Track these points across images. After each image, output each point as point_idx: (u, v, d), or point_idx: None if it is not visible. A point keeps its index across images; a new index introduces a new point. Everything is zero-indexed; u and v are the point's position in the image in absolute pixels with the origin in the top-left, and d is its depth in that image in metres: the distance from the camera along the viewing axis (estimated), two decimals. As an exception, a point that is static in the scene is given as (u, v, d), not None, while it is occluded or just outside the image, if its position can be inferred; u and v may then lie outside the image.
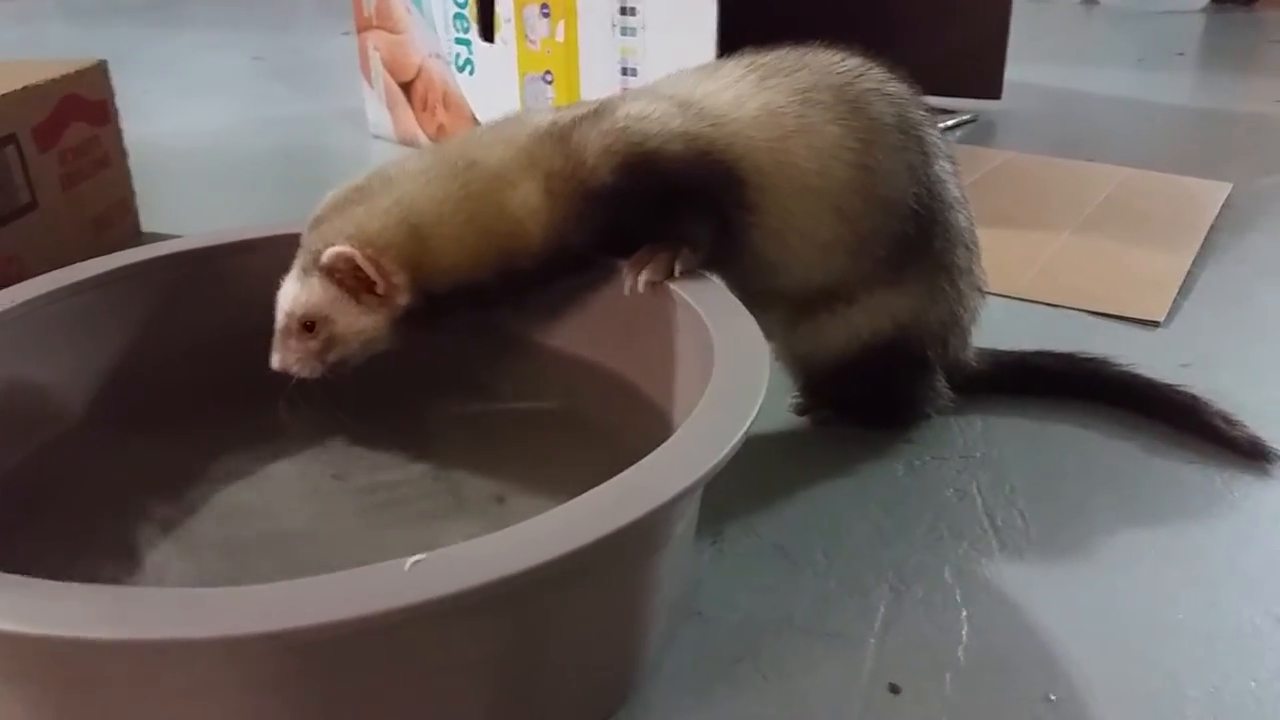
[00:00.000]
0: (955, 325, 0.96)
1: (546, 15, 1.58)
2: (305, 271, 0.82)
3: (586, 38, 1.55)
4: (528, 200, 0.83)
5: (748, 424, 0.59)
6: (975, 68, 2.08)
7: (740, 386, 0.64)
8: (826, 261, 0.89)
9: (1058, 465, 0.93)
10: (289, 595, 0.47)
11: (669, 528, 0.59)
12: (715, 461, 0.55)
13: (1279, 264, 1.39)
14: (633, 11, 1.49)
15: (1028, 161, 1.82)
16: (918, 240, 0.90)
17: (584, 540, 0.48)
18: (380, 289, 0.80)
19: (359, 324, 0.82)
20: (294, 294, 0.82)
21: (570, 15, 1.55)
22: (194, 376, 0.91)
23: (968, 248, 0.95)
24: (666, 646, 0.71)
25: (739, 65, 0.91)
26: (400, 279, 0.81)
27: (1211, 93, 2.53)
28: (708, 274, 0.84)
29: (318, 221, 0.83)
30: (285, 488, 0.84)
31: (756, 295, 0.94)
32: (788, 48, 0.92)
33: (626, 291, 0.82)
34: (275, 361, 0.83)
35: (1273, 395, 1.03)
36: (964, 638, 0.72)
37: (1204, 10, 3.61)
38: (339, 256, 0.79)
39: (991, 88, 2.10)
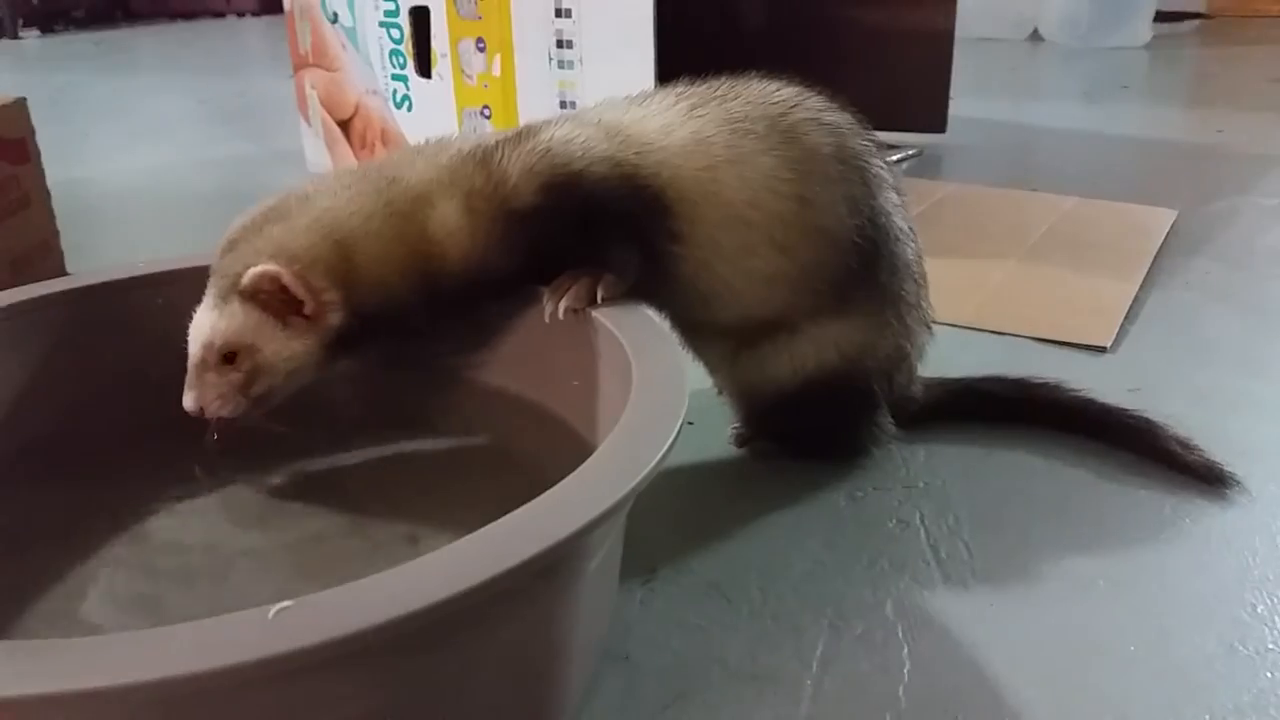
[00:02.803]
0: (902, 360, 0.92)
1: (483, 50, 1.55)
2: (223, 298, 0.76)
3: (524, 71, 1.53)
4: (447, 221, 0.80)
5: (653, 463, 0.55)
6: (919, 102, 2.08)
7: (652, 421, 0.59)
8: (764, 294, 0.86)
9: (1003, 494, 0.90)
10: (140, 646, 0.42)
11: (569, 568, 0.54)
12: (616, 500, 0.51)
13: (1225, 289, 1.38)
14: (570, 45, 1.47)
15: (972, 193, 1.81)
16: (862, 273, 0.86)
17: (465, 585, 0.44)
18: (308, 309, 0.75)
19: (286, 350, 0.76)
20: (211, 323, 0.76)
21: (506, 49, 1.52)
22: (97, 416, 0.86)
23: (916, 281, 0.92)
24: (590, 695, 0.66)
25: (670, 93, 0.89)
26: (331, 296, 0.76)
27: (1156, 124, 2.55)
28: (635, 302, 0.80)
29: (232, 245, 0.78)
30: (192, 532, 0.79)
31: (697, 327, 0.91)
32: (723, 78, 0.90)
33: (546, 318, 0.79)
34: (189, 401, 0.76)
35: (1220, 419, 1.01)
36: (905, 676, 0.68)
37: (1148, 46, 3.67)
38: (264, 276, 0.74)
39: (935, 121, 2.10)
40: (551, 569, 0.50)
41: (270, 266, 0.74)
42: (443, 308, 0.82)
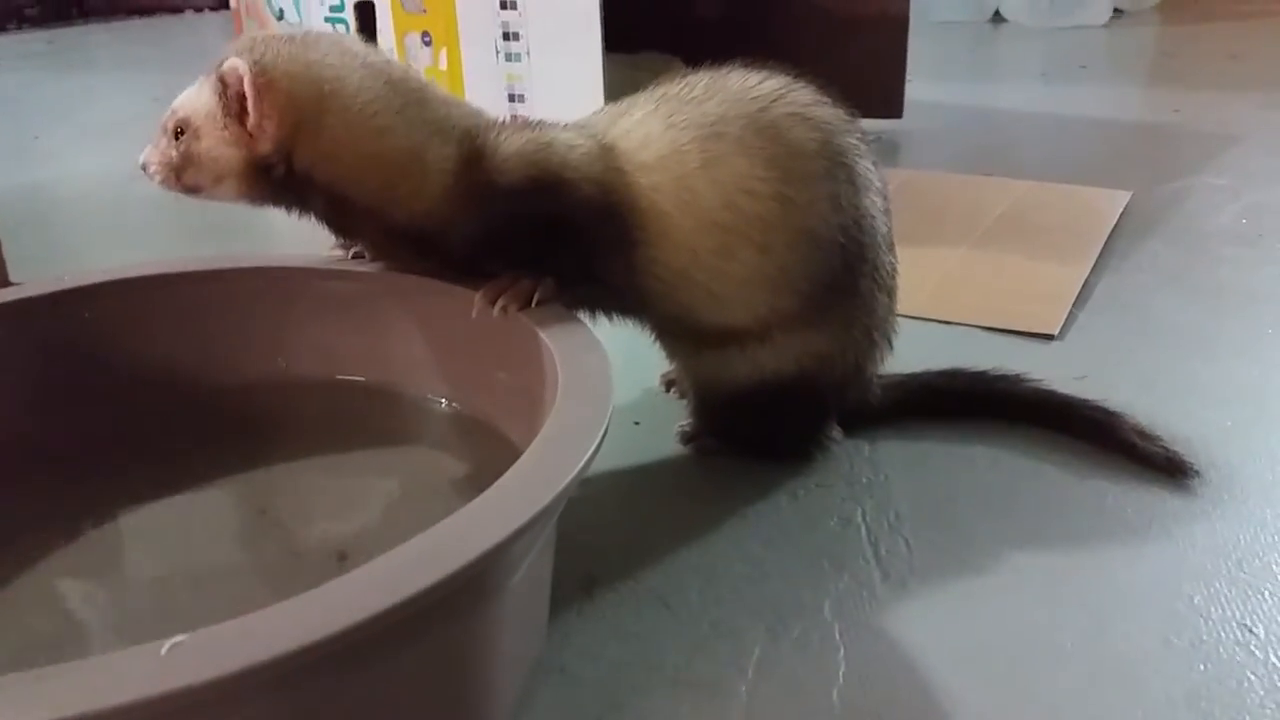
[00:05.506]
0: (858, 376, 0.92)
1: (429, 44, 1.53)
2: (207, 75, 0.79)
3: (471, 65, 1.51)
4: (445, 164, 0.80)
5: (559, 489, 0.54)
6: (875, 87, 2.07)
7: (565, 440, 0.58)
8: (745, 296, 0.84)
9: (946, 488, 0.89)
10: (23, 688, 0.41)
11: (484, 588, 0.53)
12: (519, 525, 0.50)
13: (1175, 271, 1.39)
14: (516, 37, 1.46)
15: (926, 179, 1.81)
16: (844, 277, 0.85)
17: (366, 614, 0.43)
18: (250, 124, 0.77)
19: (215, 151, 0.79)
20: (186, 93, 0.80)
21: (453, 43, 1.50)
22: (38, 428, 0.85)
23: (889, 294, 0.90)
24: (522, 709, 0.66)
25: (651, 99, 0.87)
26: (271, 124, 0.77)
27: (1113, 104, 2.56)
28: (563, 308, 0.80)
29: (259, 39, 0.80)
30: (117, 547, 0.78)
31: (669, 327, 0.91)
32: (704, 72, 0.87)
33: (474, 314, 0.78)
34: (141, 155, 0.81)
35: (1165, 405, 1.01)
36: (840, 679, 0.68)
37: (1106, 25, 3.68)
38: (232, 68, 0.76)
39: (892, 107, 2.09)
40: (462, 592, 0.49)
41: (241, 61, 0.76)
42: (376, 229, 0.83)
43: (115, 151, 2.33)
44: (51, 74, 3.51)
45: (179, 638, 0.42)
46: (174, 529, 0.79)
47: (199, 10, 5.21)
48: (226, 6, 5.01)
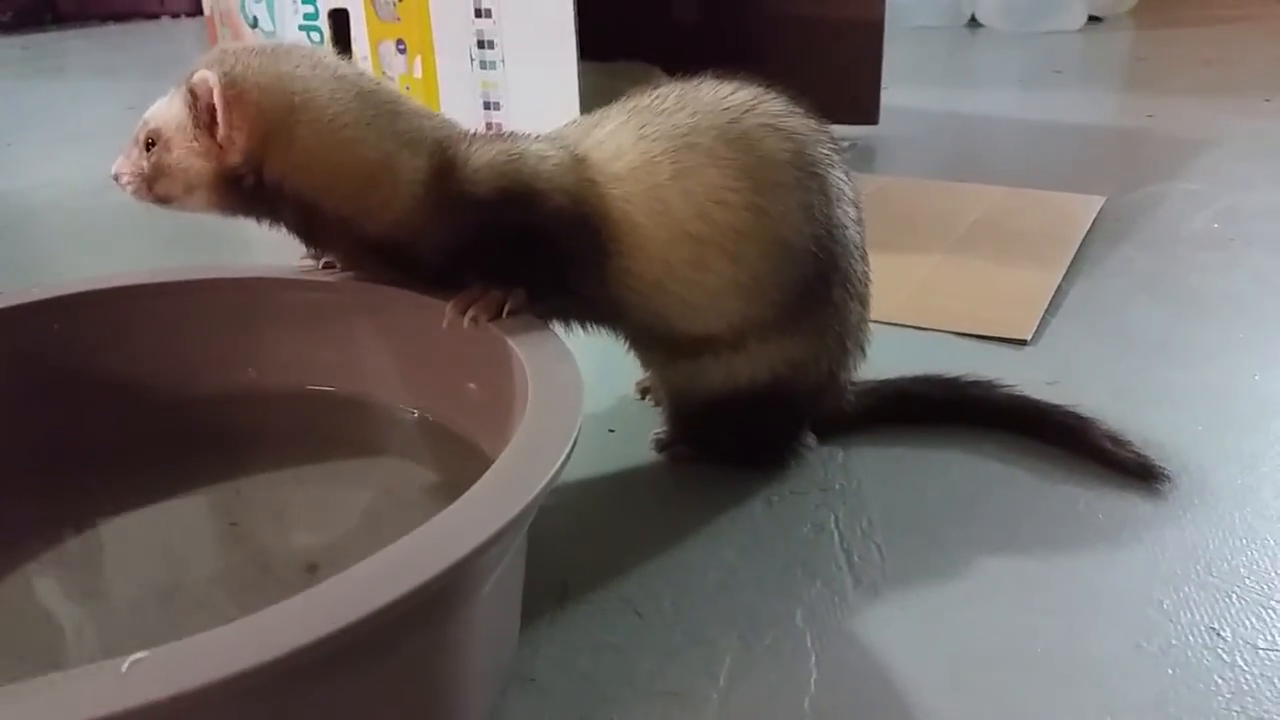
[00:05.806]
0: (832, 383, 0.92)
1: (403, 52, 1.53)
2: (178, 87, 0.80)
3: (445, 73, 1.51)
4: (415, 175, 0.80)
5: (529, 499, 0.54)
6: (850, 94, 2.08)
7: (535, 450, 0.58)
8: (719, 305, 0.84)
9: (919, 493, 0.90)
10: (-17, 709, 0.41)
11: (449, 604, 0.53)
12: (490, 535, 0.49)
13: (1147, 277, 1.40)
14: (491, 45, 1.45)
15: (901, 186, 1.82)
16: (817, 286, 0.85)
17: (329, 629, 0.42)
18: (220, 135, 0.77)
19: (185, 162, 0.79)
20: (158, 104, 0.81)
21: (427, 50, 1.50)
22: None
23: (862, 302, 0.90)
24: (492, 721, 0.65)
25: (624, 110, 0.87)
26: (240, 136, 0.78)
27: (1087, 109, 2.58)
28: (534, 319, 0.80)
29: (230, 51, 0.80)
30: (93, 559, 0.77)
31: (643, 336, 0.91)
32: (677, 83, 0.88)
33: (445, 325, 0.78)
34: (114, 166, 0.81)
35: (1137, 411, 1.01)
36: (812, 687, 0.68)
37: (1081, 30, 3.71)
38: (202, 80, 0.77)
39: (868, 113, 2.10)
40: (432, 603, 0.49)
41: (211, 73, 0.76)
42: (338, 234, 0.83)
43: (89, 159, 2.31)
44: (25, 81, 3.49)
45: (140, 654, 0.42)
46: (146, 541, 0.78)
47: (175, 16, 5.19)
48: (202, 13, 5.02)
